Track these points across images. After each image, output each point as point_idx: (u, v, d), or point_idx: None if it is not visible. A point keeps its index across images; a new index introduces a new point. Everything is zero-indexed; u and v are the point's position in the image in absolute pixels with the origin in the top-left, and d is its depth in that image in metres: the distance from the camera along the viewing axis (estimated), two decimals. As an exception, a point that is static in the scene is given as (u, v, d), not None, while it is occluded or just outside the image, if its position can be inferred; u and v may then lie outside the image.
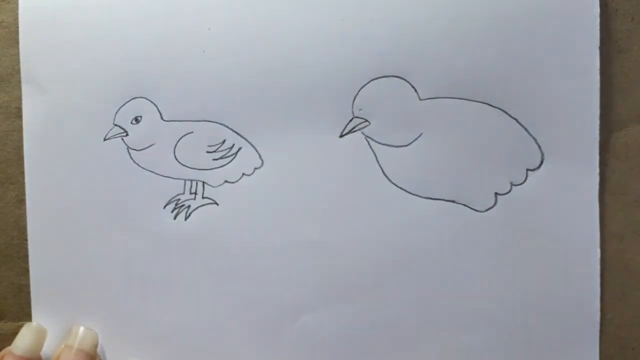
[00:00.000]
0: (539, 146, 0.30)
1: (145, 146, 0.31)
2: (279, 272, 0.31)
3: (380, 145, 0.31)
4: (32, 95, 0.31)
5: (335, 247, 0.31)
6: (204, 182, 0.31)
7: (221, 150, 0.31)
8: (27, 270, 0.32)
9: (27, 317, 0.32)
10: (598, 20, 0.29)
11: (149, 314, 0.32)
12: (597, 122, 0.29)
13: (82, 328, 0.32)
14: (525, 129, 0.30)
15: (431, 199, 0.30)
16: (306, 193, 0.31)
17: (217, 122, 0.31)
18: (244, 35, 0.30)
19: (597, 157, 0.29)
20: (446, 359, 0.31)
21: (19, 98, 0.32)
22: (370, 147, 0.31)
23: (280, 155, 0.31)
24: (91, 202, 0.32)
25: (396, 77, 0.30)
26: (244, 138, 0.31)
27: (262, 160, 0.31)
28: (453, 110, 0.30)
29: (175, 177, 0.31)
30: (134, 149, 0.31)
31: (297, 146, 0.31)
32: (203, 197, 0.31)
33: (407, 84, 0.30)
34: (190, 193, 0.31)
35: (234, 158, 0.31)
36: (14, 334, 0.32)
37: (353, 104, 0.30)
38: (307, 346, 0.32)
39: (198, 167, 0.31)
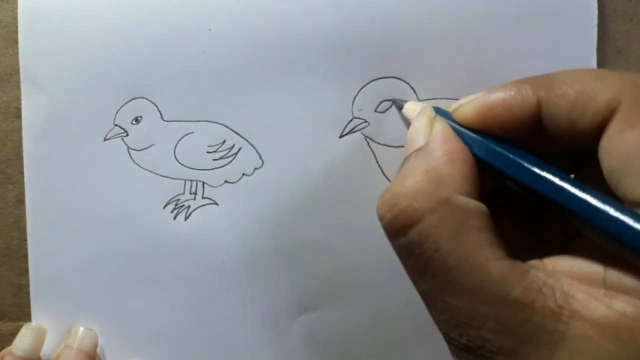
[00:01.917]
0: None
1: (145, 146, 0.31)
2: (279, 272, 0.31)
3: (380, 146, 0.31)
4: (31, 95, 0.31)
5: (335, 247, 0.31)
6: (204, 183, 0.31)
7: (221, 151, 0.31)
8: (26, 271, 0.32)
9: (27, 317, 0.32)
10: (596, 21, 0.29)
11: (149, 314, 0.32)
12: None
13: (81, 328, 0.32)
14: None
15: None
16: (306, 193, 0.31)
17: (217, 122, 0.31)
18: (244, 35, 0.30)
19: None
20: (446, 358, 0.31)
21: (18, 98, 0.31)
22: (370, 147, 0.31)
23: (280, 155, 0.31)
24: (91, 202, 0.32)
25: (395, 77, 0.30)
26: (244, 138, 0.31)
27: (262, 160, 0.31)
28: (452, 110, 0.30)
29: (175, 177, 0.31)
30: (134, 149, 0.31)
31: (297, 146, 0.31)
32: (203, 198, 0.31)
33: (406, 84, 0.30)
34: (190, 193, 0.31)
35: (234, 158, 0.31)
36: (13, 334, 0.32)
37: (353, 104, 0.31)
38: (307, 345, 0.32)
39: (198, 168, 0.31)
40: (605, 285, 0.18)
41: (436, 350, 0.31)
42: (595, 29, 0.29)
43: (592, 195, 0.18)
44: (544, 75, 0.20)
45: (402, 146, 0.30)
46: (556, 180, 0.18)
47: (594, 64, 0.30)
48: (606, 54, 0.30)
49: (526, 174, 0.19)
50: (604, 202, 0.17)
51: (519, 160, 0.20)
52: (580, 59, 0.30)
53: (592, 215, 0.17)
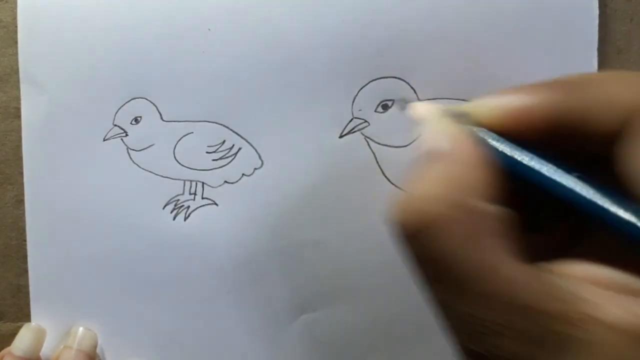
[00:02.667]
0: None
1: (145, 146, 0.31)
2: (279, 272, 0.31)
3: (380, 146, 0.31)
4: (31, 95, 0.31)
5: (335, 247, 0.31)
6: (203, 183, 0.31)
7: (221, 151, 0.31)
8: (26, 271, 0.32)
9: (26, 317, 0.32)
10: (597, 21, 0.29)
11: (148, 314, 0.32)
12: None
13: (81, 328, 0.32)
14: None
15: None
16: (306, 193, 0.31)
17: (217, 122, 0.31)
18: (244, 35, 0.30)
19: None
20: (446, 358, 0.31)
21: (18, 98, 0.31)
22: (370, 147, 0.31)
23: (280, 156, 0.31)
24: (90, 202, 0.32)
25: (395, 77, 0.30)
26: (244, 138, 0.31)
27: (262, 160, 0.31)
28: (453, 110, 0.30)
29: (174, 177, 0.31)
30: (134, 149, 0.31)
31: (297, 146, 0.31)
32: (202, 198, 0.31)
33: (406, 84, 0.30)
34: (190, 193, 0.31)
35: (233, 158, 0.31)
36: (13, 334, 0.32)
37: (353, 104, 0.30)
38: (307, 345, 0.32)
39: (197, 168, 0.31)
40: (623, 289, 0.17)
41: (436, 350, 0.31)
42: (596, 29, 0.29)
43: (614, 200, 0.17)
44: (565, 77, 0.20)
45: (402, 146, 0.30)
46: (579, 188, 0.18)
47: (595, 64, 0.30)
48: (607, 54, 0.30)
49: (548, 179, 0.19)
50: (626, 208, 0.17)
51: (541, 164, 0.19)
52: (581, 59, 0.30)
53: (614, 221, 0.17)
